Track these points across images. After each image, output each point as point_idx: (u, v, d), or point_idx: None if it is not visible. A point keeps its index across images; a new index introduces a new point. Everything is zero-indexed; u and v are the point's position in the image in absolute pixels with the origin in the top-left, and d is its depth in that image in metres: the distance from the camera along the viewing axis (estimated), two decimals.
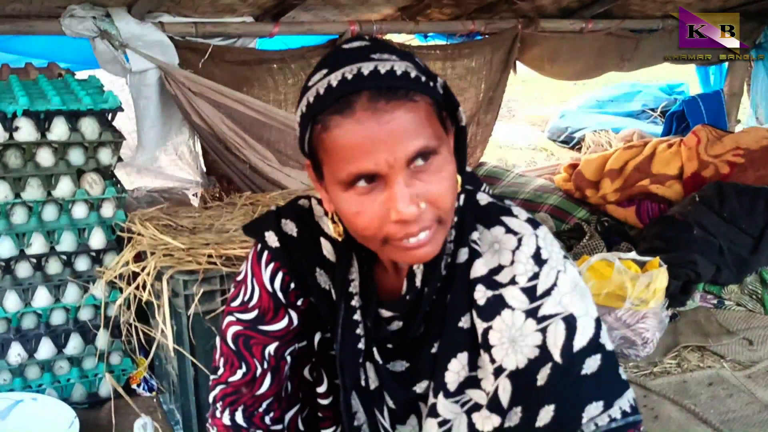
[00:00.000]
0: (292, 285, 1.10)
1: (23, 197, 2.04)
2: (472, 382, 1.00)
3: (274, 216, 1.11)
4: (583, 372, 0.92)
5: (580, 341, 0.92)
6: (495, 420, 0.95)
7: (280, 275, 1.09)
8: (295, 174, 3.12)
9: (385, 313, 1.04)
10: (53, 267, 2.14)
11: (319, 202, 1.11)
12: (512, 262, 0.97)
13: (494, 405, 0.96)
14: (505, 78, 4.01)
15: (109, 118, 2.13)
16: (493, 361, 0.96)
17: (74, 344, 2.20)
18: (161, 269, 1.87)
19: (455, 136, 0.97)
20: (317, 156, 0.90)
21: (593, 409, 0.92)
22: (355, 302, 1.04)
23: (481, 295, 0.97)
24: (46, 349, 2.17)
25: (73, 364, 2.22)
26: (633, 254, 2.78)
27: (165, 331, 1.87)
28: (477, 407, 0.99)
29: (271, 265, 1.09)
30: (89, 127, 2.05)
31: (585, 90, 7.67)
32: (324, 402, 1.16)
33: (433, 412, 1.01)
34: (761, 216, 3.26)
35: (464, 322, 0.99)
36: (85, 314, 2.21)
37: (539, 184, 4.19)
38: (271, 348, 1.11)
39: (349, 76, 0.84)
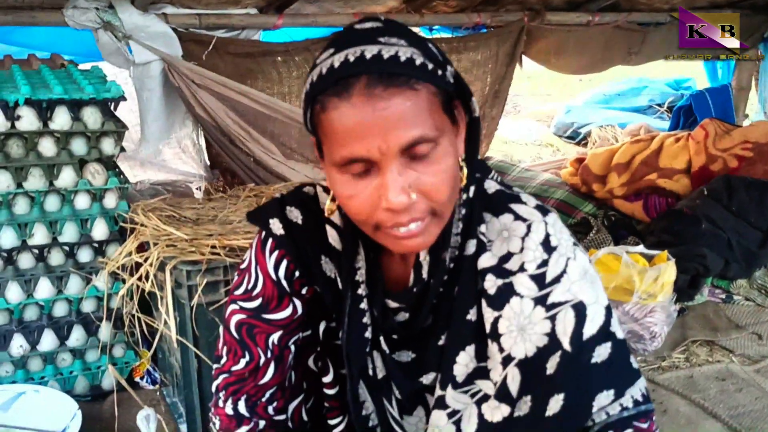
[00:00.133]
0: (297, 273, 1.09)
1: (25, 187, 2.02)
2: (480, 372, 0.98)
3: (278, 203, 1.09)
4: (593, 360, 0.90)
5: (589, 329, 0.91)
6: (504, 409, 0.94)
7: (284, 263, 1.08)
8: (299, 167, 3.10)
9: (392, 304, 1.03)
10: (55, 258, 2.13)
11: (324, 189, 1.09)
12: (522, 249, 0.95)
13: (503, 394, 0.94)
14: (511, 71, 3.98)
15: (112, 107, 2.11)
16: (501, 350, 0.94)
17: (77, 336, 2.19)
18: (164, 260, 1.86)
19: (468, 127, 0.95)
20: (318, 135, 0.89)
21: (604, 397, 0.90)
22: (361, 291, 1.03)
23: (492, 284, 0.95)
24: (48, 340, 2.15)
25: (75, 356, 2.21)
26: (641, 248, 2.76)
27: (168, 323, 1.86)
28: (486, 398, 0.98)
29: (276, 253, 1.08)
30: (92, 117, 2.04)
31: (591, 85, 7.64)
32: (330, 392, 1.14)
33: (442, 404, 1.00)
34: None
35: (472, 315, 0.98)
36: (87, 306, 2.19)
37: (545, 179, 4.16)
38: (274, 337, 1.10)
39: (352, 59, 0.82)
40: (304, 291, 1.11)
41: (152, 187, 3.17)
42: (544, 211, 0.98)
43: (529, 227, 0.96)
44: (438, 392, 1.00)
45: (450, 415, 0.99)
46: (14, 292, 2.08)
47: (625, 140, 4.57)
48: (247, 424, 1.12)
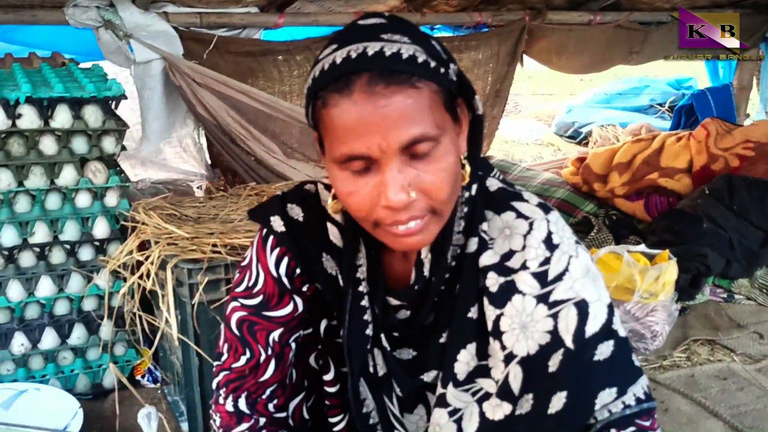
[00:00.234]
0: (298, 270, 1.08)
1: (26, 185, 2.02)
2: (482, 371, 0.98)
3: (279, 200, 1.09)
4: (596, 358, 0.90)
5: (592, 327, 0.91)
6: (506, 408, 0.94)
7: (285, 260, 1.08)
8: (300, 166, 3.10)
9: (393, 302, 1.02)
10: (57, 256, 2.13)
11: (326, 186, 1.09)
12: (523, 247, 0.95)
13: (505, 392, 0.94)
14: (512, 71, 3.97)
15: (113, 106, 2.11)
16: (503, 347, 0.94)
17: (78, 334, 2.19)
18: (165, 258, 1.86)
19: (470, 124, 0.94)
20: (319, 131, 0.89)
21: (606, 395, 0.90)
22: (362, 288, 1.03)
23: (494, 282, 0.95)
24: (49, 339, 2.15)
25: (77, 355, 2.21)
26: (642, 247, 2.75)
27: (169, 321, 1.86)
28: (487, 396, 0.97)
29: (277, 250, 1.08)
30: (93, 115, 2.04)
31: (591, 85, 7.64)
32: (331, 390, 1.14)
33: (443, 402, 1.00)
34: None
35: (473, 313, 0.98)
36: (88, 304, 2.19)
37: (546, 178, 4.16)
38: (275, 334, 1.09)
39: (354, 55, 0.82)
40: (305, 288, 1.11)
41: (153, 186, 3.18)
42: (546, 209, 0.98)
43: (531, 225, 0.96)
44: (439, 390, 1.00)
45: (451, 414, 0.99)
46: (15, 291, 2.08)
47: (626, 140, 4.56)
48: (248, 421, 1.12)
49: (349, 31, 0.86)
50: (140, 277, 1.94)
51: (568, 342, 0.90)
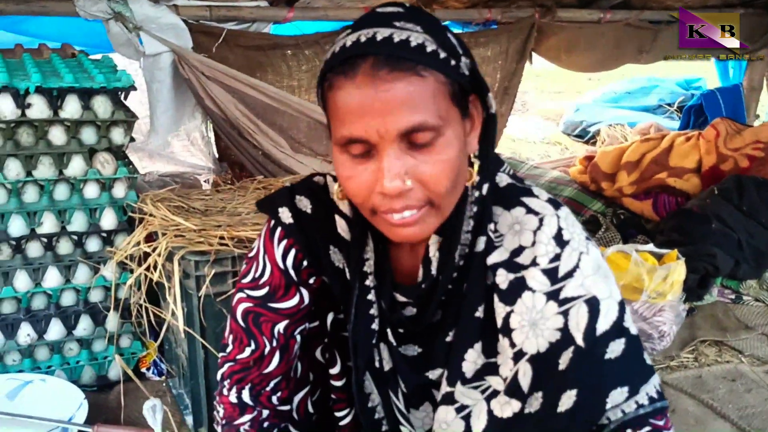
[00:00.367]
0: (305, 263, 1.08)
1: (35, 175, 2.02)
2: (489, 368, 0.98)
3: (288, 192, 1.09)
4: (607, 356, 0.89)
5: (603, 324, 0.90)
6: (515, 405, 0.93)
7: (292, 252, 1.07)
8: (307, 161, 3.10)
9: (400, 298, 1.02)
10: (64, 247, 2.13)
11: (334, 179, 1.09)
12: (533, 243, 0.94)
13: (514, 390, 0.93)
14: (521, 68, 3.95)
15: (122, 97, 2.11)
16: (513, 345, 0.94)
17: (84, 326, 2.19)
18: (172, 250, 1.85)
19: (484, 123, 0.94)
20: (327, 113, 0.90)
21: (618, 394, 0.89)
22: (369, 282, 1.02)
23: (503, 278, 0.95)
24: (56, 330, 2.15)
25: (82, 346, 2.21)
26: (650, 246, 2.74)
27: (175, 313, 1.85)
28: (495, 393, 0.97)
29: (284, 242, 1.07)
30: (102, 106, 2.03)
31: (599, 84, 7.60)
32: (337, 384, 1.14)
33: (450, 400, 0.99)
34: None
35: (480, 312, 0.98)
36: (95, 296, 2.19)
37: (554, 176, 4.15)
38: (280, 326, 1.09)
39: (363, 39, 0.83)
40: (311, 281, 1.11)
41: (161, 179, 3.18)
42: (556, 205, 0.97)
43: (541, 221, 0.95)
44: (446, 388, 1.00)
45: (458, 411, 0.99)
46: (22, 281, 2.08)
47: (634, 139, 4.54)
48: (251, 413, 1.12)
49: (366, 17, 0.87)
50: (147, 269, 1.94)
51: (579, 340, 0.89)
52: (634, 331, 0.92)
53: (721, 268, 2.99)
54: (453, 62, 0.85)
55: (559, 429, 0.89)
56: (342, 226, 1.05)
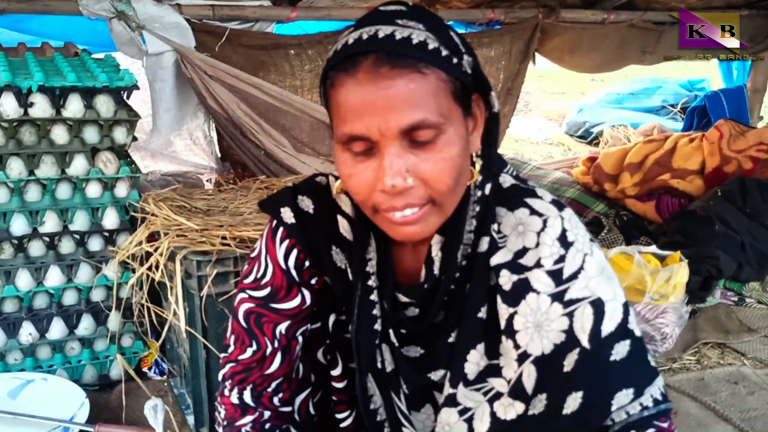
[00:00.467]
0: (307, 263, 1.08)
1: (37, 174, 2.01)
2: (492, 370, 0.97)
3: (290, 192, 1.08)
4: (612, 358, 0.89)
5: (608, 326, 0.89)
6: (518, 407, 0.92)
7: (294, 252, 1.07)
8: (310, 161, 3.10)
9: (402, 299, 1.02)
10: (66, 246, 2.13)
11: (337, 179, 1.08)
12: (537, 245, 0.94)
13: (518, 391, 0.93)
14: (524, 69, 3.95)
15: (125, 96, 2.10)
16: (517, 346, 0.93)
17: (86, 325, 2.18)
18: (174, 250, 1.85)
19: (486, 122, 0.93)
20: (329, 111, 0.89)
21: (623, 396, 0.88)
22: (371, 282, 1.02)
23: (507, 279, 0.94)
24: (57, 329, 2.15)
25: (84, 346, 2.21)
26: (653, 248, 2.74)
27: (177, 313, 1.85)
28: (499, 395, 0.96)
29: (286, 242, 1.07)
30: (104, 105, 2.03)
31: (602, 85, 7.60)
32: (339, 385, 1.13)
33: (452, 402, 0.99)
34: None
35: (483, 313, 0.97)
36: (97, 295, 2.19)
37: (557, 177, 4.14)
38: (282, 327, 1.09)
39: (365, 36, 0.83)
40: (313, 281, 1.10)
41: (163, 178, 3.18)
42: (560, 206, 0.97)
43: (545, 222, 0.94)
44: (449, 390, 0.99)
45: (461, 413, 0.98)
46: (24, 280, 2.08)
47: (637, 140, 4.53)
48: (252, 414, 1.11)
49: (369, 15, 0.87)
50: (149, 269, 1.94)
51: (584, 341, 0.88)
52: (638, 332, 0.92)
53: (724, 270, 2.98)
54: (455, 60, 0.84)
55: (564, 431, 0.88)
56: (344, 226, 1.04)
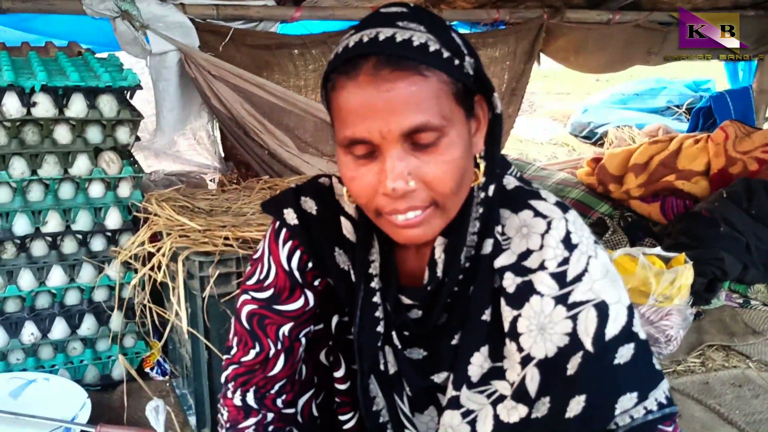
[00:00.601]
0: (310, 264, 1.07)
1: (40, 174, 2.01)
2: (496, 372, 0.97)
3: (293, 193, 1.08)
4: (616, 361, 0.88)
5: (612, 329, 0.88)
6: (522, 410, 0.91)
7: (297, 254, 1.06)
8: (313, 161, 3.09)
9: (405, 300, 1.01)
10: (68, 246, 2.12)
11: (340, 180, 1.07)
12: (541, 247, 0.93)
13: (521, 394, 0.92)
14: (528, 69, 3.94)
15: (128, 96, 2.10)
16: (520, 349, 0.92)
17: (88, 325, 2.18)
18: (177, 250, 1.85)
19: (489, 123, 0.92)
20: (331, 114, 0.89)
21: (627, 400, 0.88)
22: (374, 284, 1.01)
23: (510, 282, 0.93)
24: (59, 329, 2.15)
25: (86, 346, 2.21)
26: (658, 250, 2.72)
27: (179, 314, 1.84)
28: (502, 398, 0.96)
29: (289, 243, 1.06)
30: (107, 105, 2.03)
31: (607, 85, 7.58)
32: (341, 387, 1.13)
33: (455, 404, 0.98)
34: None
35: (486, 315, 0.96)
36: (99, 295, 2.18)
37: (561, 178, 4.13)
38: (285, 328, 1.08)
39: (365, 39, 0.82)
40: (316, 283, 1.10)
41: (166, 178, 3.17)
42: (564, 208, 0.96)
43: (549, 224, 0.94)
44: (452, 392, 0.99)
45: (464, 415, 0.98)
46: (27, 280, 2.08)
47: (642, 141, 4.52)
48: (255, 416, 1.11)
49: (370, 17, 0.86)
50: (151, 269, 1.93)
51: (588, 344, 0.88)
52: (643, 335, 0.91)
53: (729, 272, 2.97)
54: (457, 62, 0.84)
55: None
56: (347, 228, 1.04)
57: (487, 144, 0.94)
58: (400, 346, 1.04)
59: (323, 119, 3.00)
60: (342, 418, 1.15)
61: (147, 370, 2.29)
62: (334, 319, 1.11)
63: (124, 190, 2.15)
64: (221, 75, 2.83)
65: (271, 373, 1.10)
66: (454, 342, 0.99)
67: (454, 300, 0.98)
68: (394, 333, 1.03)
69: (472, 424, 0.97)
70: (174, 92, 2.94)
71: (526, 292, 0.92)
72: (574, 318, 0.89)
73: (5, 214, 2.02)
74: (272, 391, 1.13)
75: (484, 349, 0.97)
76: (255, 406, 1.11)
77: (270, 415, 1.12)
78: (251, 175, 3.09)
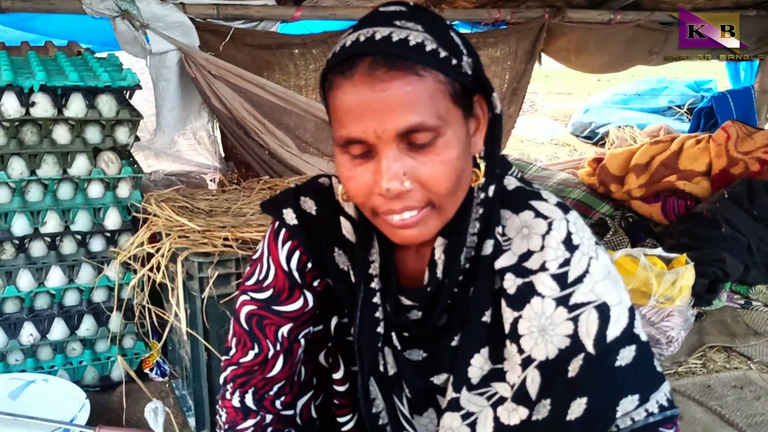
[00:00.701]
0: (309, 265, 1.07)
1: (38, 174, 2.01)
2: (496, 374, 0.96)
3: (293, 193, 1.07)
4: (618, 363, 0.88)
5: (613, 331, 0.88)
6: (522, 412, 0.91)
7: (297, 254, 1.06)
8: (314, 161, 3.09)
9: (405, 301, 1.00)
10: (67, 247, 2.12)
11: (340, 180, 1.07)
12: (542, 248, 0.92)
13: (521, 397, 0.91)
14: (529, 69, 3.93)
15: (127, 96, 2.09)
16: (521, 351, 0.92)
17: (87, 326, 2.17)
18: (176, 251, 1.84)
19: (489, 123, 0.92)
20: (328, 113, 0.89)
21: (628, 402, 0.87)
22: (374, 285, 1.01)
23: (511, 283, 0.93)
24: (58, 330, 2.14)
25: (85, 346, 2.20)
26: (659, 250, 2.71)
27: (178, 314, 1.84)
28: (502, 400, 0.95)
29: (288, 244, 1.06)
30: (106, 105, 2.02)
31: (608, 85, 7.58)
32: (340, 389, 1.12)
33: (455, 406, 0.97)
34: None
35: (487, 317, 0.96)
36: (98, 296, 2.18)
37: (562, 178, 4.12)
38: (284, 329, 1.08)
39: (362, 38, 0.82)
40: (316, 283, 1.09)
41: (166, 178, 3.17)
42: (565, 209, 0.95)
43: (550, 225, 0.93)
44: (451, 394, 0.98)
45: (464, 417, 0.97)
46: (25, 280, 2.07)
47: (644, 141, 4.51)
48: (254, 418, 1.10)
49: (368, 16, 0.86)
50: (150, 270, 1.93)
51: (589, 346, 0.87)
52: (644, 337, 0.91)
53: (730, 273, 2.96)
54: (454, 61, 0.83)
55: None
56: (347, 228, 1.03)
57: (487, 144, 0.93)
58: (399, 347, 1.03)
59: (323, 119, 2.99)
60: (341, 419, 1.15)
61: (146, 371, 2.28)
62: (334, 321, 1.11)
63: (124, 190, 2.14)
64: (221, 75, 2.83)
65: (270, 375, 1.10)
66: (454, 343, 0.99)
67: (454, 301, 0.98)
68: (393, 334, 1.03)
69: (472, 426, 0.96)
70: (174, 92, 2.94)
71: (526, 293, 0.92)
72: (575, 320, 0.89)
73: (4, 214, 2.01)
74: (271, 393, 1.12)
75: (485, 351, 0.96)
76: (254, 407, 1.11)
77: (269, 417, 1.12)
78: (251, 175, 3.08)
